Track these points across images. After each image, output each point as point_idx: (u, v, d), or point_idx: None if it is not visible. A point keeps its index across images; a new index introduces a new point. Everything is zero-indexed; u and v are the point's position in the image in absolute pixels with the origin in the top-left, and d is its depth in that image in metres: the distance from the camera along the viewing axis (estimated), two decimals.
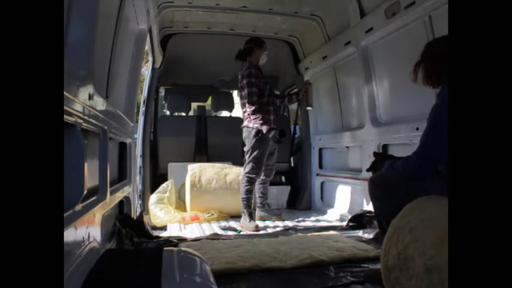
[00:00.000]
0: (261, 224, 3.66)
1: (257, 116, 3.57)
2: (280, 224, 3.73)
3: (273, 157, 3.84)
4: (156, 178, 4.40)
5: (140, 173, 4.03)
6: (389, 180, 1.98)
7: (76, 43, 1.42)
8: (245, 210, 3.58)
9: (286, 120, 5.33)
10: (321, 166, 4.68)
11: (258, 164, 3.61)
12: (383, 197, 1.98)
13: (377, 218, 2.12)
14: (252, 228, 3.45)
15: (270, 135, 3.58)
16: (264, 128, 3.56)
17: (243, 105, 3.73)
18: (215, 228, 3.52)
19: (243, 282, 2.05)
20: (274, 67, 5.32)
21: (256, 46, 3.73)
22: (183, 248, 1.73)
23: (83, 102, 1.35)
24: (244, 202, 3.61)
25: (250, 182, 3.65)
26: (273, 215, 3.94)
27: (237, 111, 5.15)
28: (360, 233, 3.09)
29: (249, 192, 3.65)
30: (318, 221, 3.93)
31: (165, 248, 1.55)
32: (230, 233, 3.38)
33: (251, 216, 3.57)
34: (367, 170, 2.31)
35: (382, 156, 2.27)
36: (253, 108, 3.58)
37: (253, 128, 3.58)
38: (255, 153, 3.59)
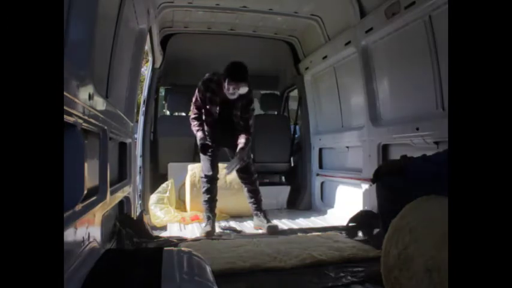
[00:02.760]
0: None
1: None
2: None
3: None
4: (156, 178, 4.39)
5: (140, 173, 4.03)
6: (400, 182, 1.98)
7: (76, 43, 1.42)
8: (258, 213, 3.52)
9: (286, 120, 5.33)
10: (321, 166, 4.67)
11: None
12: (393, 198, 1.97)
13: (382, 217, 2.11)
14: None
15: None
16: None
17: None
18: (215, 228, 3.51)
19: (243, 282, 2.05)
20: (274, 67, 5.32)
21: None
22: (183, 248, 1.73)
23: (83, 102, 1.35)
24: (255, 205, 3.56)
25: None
26: (267, 222, 3.77)
27: None
28: (360, 233, 3.09)
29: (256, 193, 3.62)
30: (318, 221, 3.93)
31: (165, 248, 1.54)
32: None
33: (265, 217, 3.51)
34: (372, 181, 2.18)
35: (409, 160, 2.08)
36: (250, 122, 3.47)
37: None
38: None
